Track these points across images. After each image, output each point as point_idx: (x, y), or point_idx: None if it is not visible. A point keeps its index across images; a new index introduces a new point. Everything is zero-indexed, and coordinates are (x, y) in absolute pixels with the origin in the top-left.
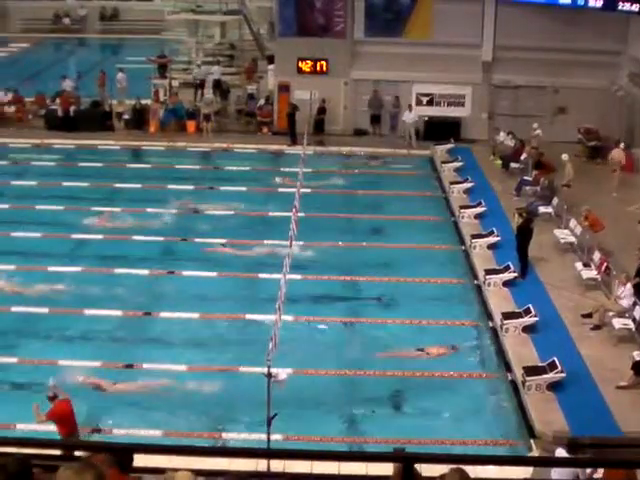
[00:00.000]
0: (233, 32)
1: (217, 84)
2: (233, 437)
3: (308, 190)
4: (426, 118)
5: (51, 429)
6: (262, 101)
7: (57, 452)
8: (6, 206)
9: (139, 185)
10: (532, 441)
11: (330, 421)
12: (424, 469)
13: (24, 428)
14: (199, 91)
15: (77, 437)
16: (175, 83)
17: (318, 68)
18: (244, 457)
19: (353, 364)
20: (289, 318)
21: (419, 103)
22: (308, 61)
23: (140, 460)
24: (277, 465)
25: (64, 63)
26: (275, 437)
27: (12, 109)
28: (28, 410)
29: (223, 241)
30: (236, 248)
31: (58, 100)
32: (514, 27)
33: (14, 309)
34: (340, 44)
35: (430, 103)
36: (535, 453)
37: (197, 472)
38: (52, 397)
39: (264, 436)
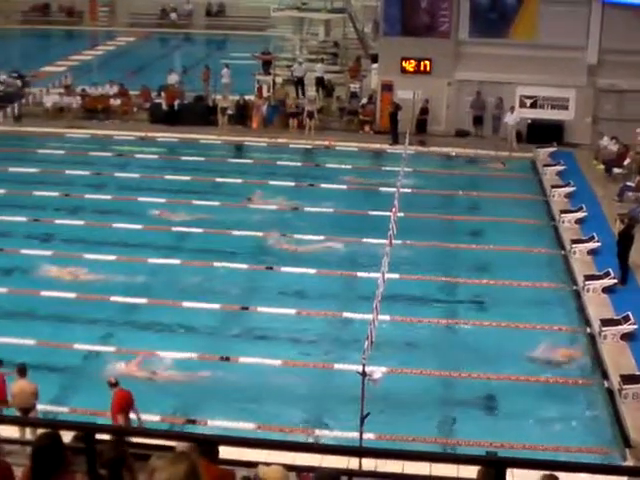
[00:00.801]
0: (337, 30)
1: (320, 82)
2: (325, 434)
3: (408, 190)
4: (529, 121)
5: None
6: (365, 100)
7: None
8: (109, 197)
9: (240, 180)
10: (627, 450)
11: (423, 422)
12: (515, 474)
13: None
14: (299, 88)
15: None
16: (279, 80)
17: (422, 68)
18: (336, 454)
19: (448, 365)
20: (386, 317)
21: (522, 105)
22: (412, 61)
23: (233, 453)
24: (369, 464)
25: (169, 57)
26: (367, 436)
27: (118, 102)
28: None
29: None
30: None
31: (163, 94)
32: (620, 30)
33: (113, 299)
34: (444, 44)
35: (533, 105)
36: (629, 463)
37: (289, 467)
38: (113, 383)
39: (356, 434)
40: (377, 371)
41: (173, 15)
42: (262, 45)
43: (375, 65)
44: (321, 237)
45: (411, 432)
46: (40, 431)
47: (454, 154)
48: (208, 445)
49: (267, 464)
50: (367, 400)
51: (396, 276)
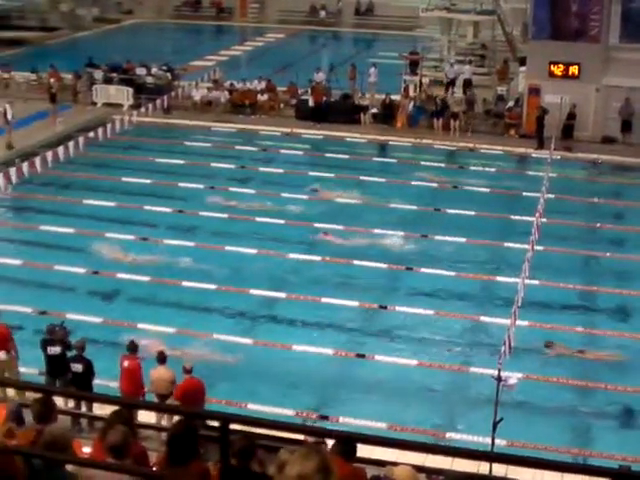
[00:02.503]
0: (486, 32)
1: (467, 84)
2: (456, 437)
3: (552, 195)
4: None
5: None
6: (511, 103)
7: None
8: (253, 191)
9: (383, 179)
10: None
11: (556, 430)
12: None
13: (253, 408)
14: (449, 90)
15: None
16: (425, 80)
17: (570, 72)
18: (466, 458)
19: (584, 374)
20: (524, 323)
21: None
22: (560, 65)
23: (363, 451)
24: (499, 470)
25: (317, 55)
26: (499, 441)
27: (265, 97)
28: (259, 393)
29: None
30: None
31: (310, 91)
32: None
33: (252, 292)
34: (594, 49)
35: None
36: None
37: (418, 468)
38: (188, 370)
39: (488, 439)
40: (513, 377)
41: (322, 13)
42: (409, 45)
43: (523, 68)
44: (462, 239)
45: (543, 440)
46: (176, 419)
47: (600, 161)
48: (344, 443)
49: (396, 464)
50: (501, 405)
51: (536, 282)
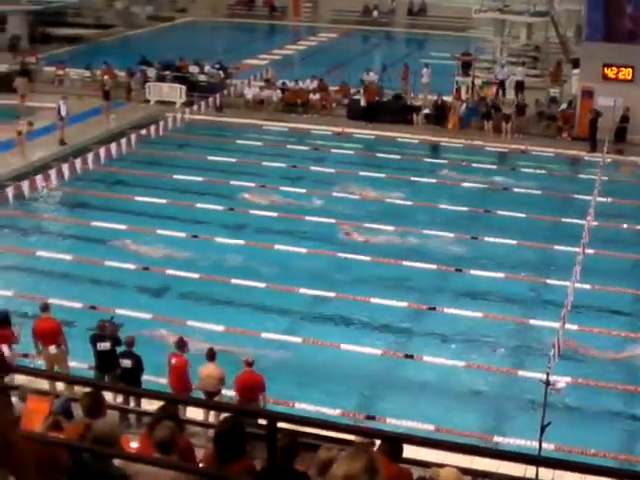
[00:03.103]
0: (539, 34)
1: (520, 86)
2: (504, 440)
3: (604, 199)
4: None
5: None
6: (564, 105)
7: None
8: (303, 190)
9: (434, 180)
10: None
11: (604, 436)
12: None
13: (300, 407)
14: (500, 91)
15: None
16: (477, 82)
17: (624, 75)
18: (513, 461)
19: (633, 380)
20: (573, 327)
21: None
22: (614, 67)
23: (409, 452)
24: (546, 474)
25: (369, 55)
26: (546, 445)
27: (317, 96)
28: (307, 392)
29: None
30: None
31: (362, 91)
32: None
33: (302, 290)
34: None
35: None
36: None
37: (464, 471)
38: (249, 363)
39: (535, 443)
40: (561, 381)
41: (375, 13)
42: (462, 46)
43: (576, 70)
44: (512, 241)
45: (591, 445)
46: (224, 416)
47: None
48: (391, 443)
49: (442, 466)
50: (549, 409)
51: (587, 286)
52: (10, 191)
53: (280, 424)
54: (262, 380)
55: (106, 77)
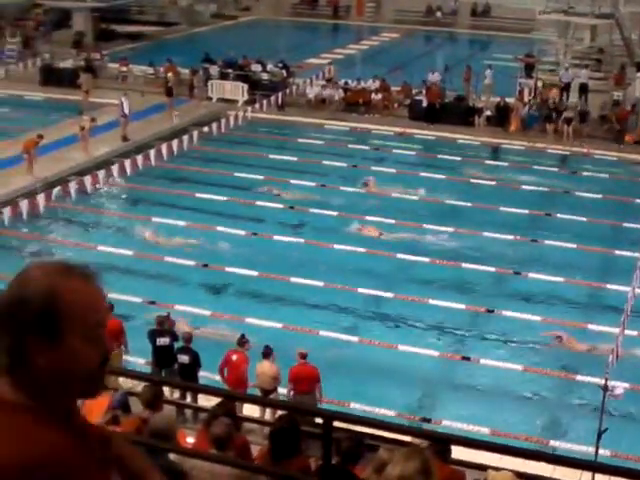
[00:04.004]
0: (603, 36)
1: (583, 88)
2: (560, 445)
3: None
4: None
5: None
6: (628, 109)
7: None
8: (363, 190)
9: (494, 182)
10: None
11: None
12: None
13: (356, 406)
14: (564, 94)
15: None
16: (539, 84)
17: None
18: (569, 466)
19: None
20: (633, 332)
21: None
22: None
23: (463, 454)
24: None
25: (432, 55)
26: (603, 452)
27: (379, 97)
28: (362, 391)
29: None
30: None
31: (424, 91)
32: None
33: (360, 290)
34: None
35: None
36: None
37: (519, 474)
38: (303, 355)
39: (592, 449)
40: (619, 386)
41: (438, 13)
42: (525, 47)
43: None
44: (572, 245)
45: None
46: (280, 413)
47: None
48: (442, 444)
49: (498, 469)
50: (606, 415)
51: None
52: (73, 186)
53: (336, 423)
54: (317, 372)
55: (170, 74)
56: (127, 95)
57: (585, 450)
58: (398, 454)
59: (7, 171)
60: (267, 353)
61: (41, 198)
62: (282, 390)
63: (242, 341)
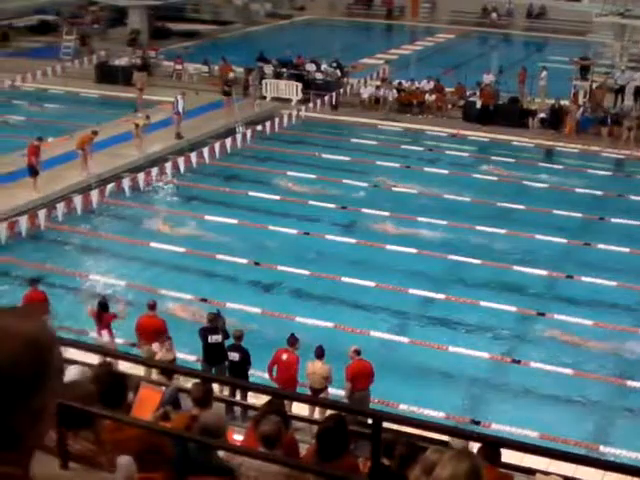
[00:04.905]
0: None
1: (638, 91)
2: (610, 450)
3: None
4: None
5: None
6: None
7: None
8: (416, 191)
9: (546, 185)
10: None
11: None
12: None
13: (404, 408)
14: (619, 96)
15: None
16: (594, 86)
17: None
18: (618, 472)
19: None
20: None
21: None
22: None
23: (514, 458)
24: None
25: (486, 57)
26: None
27: (433, 97)
28: (412, 392)
29: None
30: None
31: (478, 93)
32: None
33: (411, 291)
34: None
35: None
36: None
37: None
38: (358, 352)
39: None
40: None
41: (493, 15)
42: (581, 50)
43: None
44: (626, 249)
45: None
46: (329, 413)
47: None
48: (491, 447)
49: (547, 473)
50: None
51: None
52: (126, 182)
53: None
54: (372, 367)
55: (231, 74)
56: (184, 94)
57: (635, 457)
58: (448, 455)
59: (62, 167)
60: (320, 354)
61: (95, 194)
62: (332, 390)
63: (292, 340)
